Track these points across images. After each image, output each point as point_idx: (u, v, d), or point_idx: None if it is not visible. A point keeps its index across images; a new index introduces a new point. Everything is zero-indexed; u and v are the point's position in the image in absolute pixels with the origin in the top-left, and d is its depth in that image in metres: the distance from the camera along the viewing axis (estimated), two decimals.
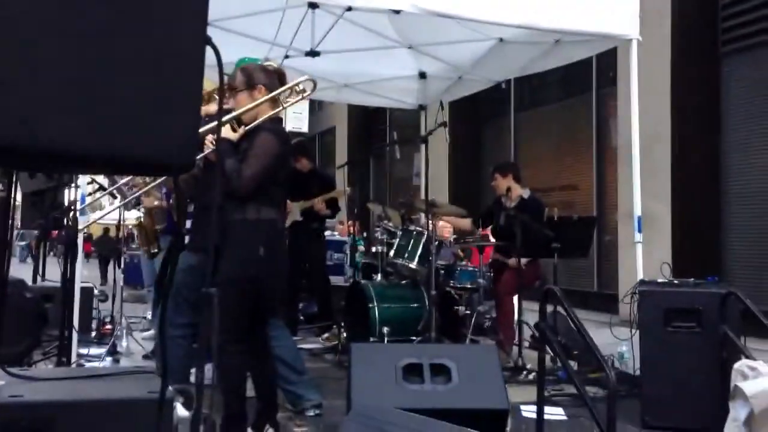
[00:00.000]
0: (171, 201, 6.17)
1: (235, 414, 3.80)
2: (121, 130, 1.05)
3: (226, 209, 3.79)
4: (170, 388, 2.92)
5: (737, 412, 3.31)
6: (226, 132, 3.81)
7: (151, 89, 1.08)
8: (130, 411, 2.42)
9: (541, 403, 3.92)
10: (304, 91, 4.02)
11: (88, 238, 33.23)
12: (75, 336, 4.36)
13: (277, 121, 3.99)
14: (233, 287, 3.68)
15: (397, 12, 5.32)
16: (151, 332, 7.04)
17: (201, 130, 3.87)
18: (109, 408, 2.38)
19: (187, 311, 4.29)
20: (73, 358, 4.41)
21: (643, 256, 5.83)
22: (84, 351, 5.89)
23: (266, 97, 3.85)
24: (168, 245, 6.16)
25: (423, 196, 6.37)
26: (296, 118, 12.80)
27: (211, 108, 4.27)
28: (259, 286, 3.75)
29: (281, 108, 3.97)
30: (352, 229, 8.05)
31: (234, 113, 3.86)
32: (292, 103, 4.10)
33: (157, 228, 6.28)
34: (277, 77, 4.02)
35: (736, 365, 3.48)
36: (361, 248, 9.24)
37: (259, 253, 3.69)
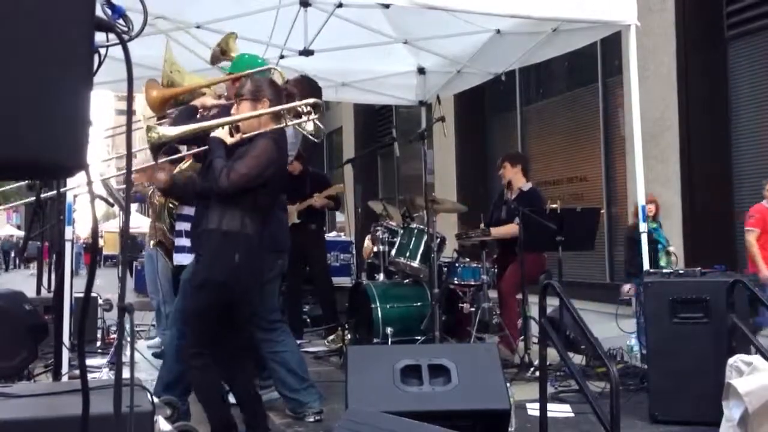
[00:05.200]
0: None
1: (222, 425, 3.74)
2: None
3: (208, 218, 3.74)
4: (156, 400, 2.86)
5: (731, 412, 3.15)
6: (223, 135, 3.79)
7: (21, 79, 0.98)
8: (107, 426, 2.33)
9: (543, 400, 3.83)
10: (310, 112, 3.96)
11: (87, 249, 33.28)
12: (65, 349, 4.29)
13: (279, 131, 3.94)
14: (203, 292, 3.71)
15: (387, 6, 5.23)
16: (157, 340, 6.99)
17: (196, 126, 3.82)
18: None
19: None
20: (65, 369, 4.35)
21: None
22: (88, 362, 5.84)
23: (266, 111, 3.84)
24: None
25: (429, 193, 6.25)
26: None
27: (207, 101, 4.24)
28: (230, 294, 3.71)
29: (284, 125, 3.92)
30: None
31: (233, 118, 3.87)
32: (297, 123, 4.03)
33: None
34: (285, 95, 3.99)
35: (731, 360, 3.31)
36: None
37: (234, 260, 3.66)
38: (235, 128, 3.82)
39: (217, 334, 3.75)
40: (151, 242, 6.88)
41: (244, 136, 3.80)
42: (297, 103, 3.99)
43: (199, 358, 3.71)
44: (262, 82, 3.98)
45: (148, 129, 3.60)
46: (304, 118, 3.96)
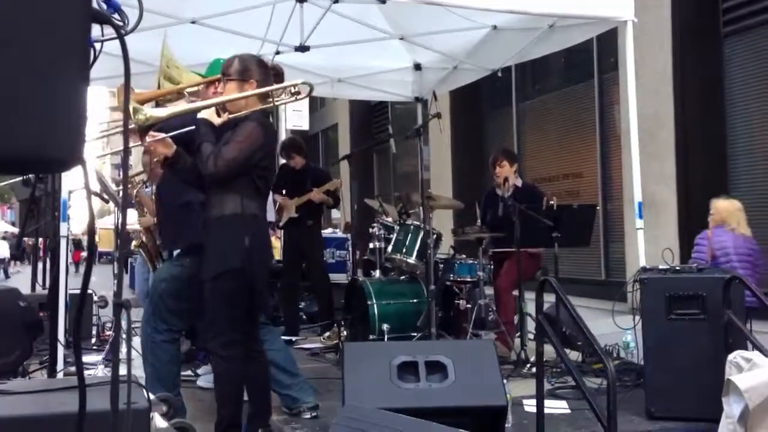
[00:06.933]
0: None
1: (228, 421, 3.72)
2: None
3: (206, 205, 3.70)
4: (151, 396, 2.84)
5: (731, 409, 3.14)
6: (209, 115, 3.72)
7: (17, 73, 0.97)
8: (102, 423, 2.30)
9: (540, 396, 3.82)
10: (298, 93, 3.91)
11: (77, 245, 33.10)
12: (60, 345, 4.28)
13: (266, 114, 3.90)
14: (220, 282, 3.62)
15: (383, 2, 5.22)
16: None
17: (183, 108, 3.78)
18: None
19: (169, 317, 4.20)
20: (60, 366, 4.33)
21: (650, 242, 5.70)
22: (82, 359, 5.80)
23: (254, 92, 3.77)
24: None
25: (425, 190, 6.25)
26: (297, 116, 12.74)
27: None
28: (247, 277, 3.64)
29: (271, 105, 3.87)
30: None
31: (219, 99, 3.80)
32: (284, 103, 4.00)
33: (158, 243, 6.19)
34: (273, 75, 3.95)
35: (730, 357, 3.31)
36: None
37: (244, 244, 3.59)
38: (222, 108, 3.77)
39: (244, 322, 3.71)
40: (134, 243, 6.72)
41: (231, 116, 3.74)
42: (286, 84, 3.91)
43: (232, 347, 3.66)
44: (250, 62, 3.84)
45: (135, 111, 3.52)
46: (292, 98, 3.90)
